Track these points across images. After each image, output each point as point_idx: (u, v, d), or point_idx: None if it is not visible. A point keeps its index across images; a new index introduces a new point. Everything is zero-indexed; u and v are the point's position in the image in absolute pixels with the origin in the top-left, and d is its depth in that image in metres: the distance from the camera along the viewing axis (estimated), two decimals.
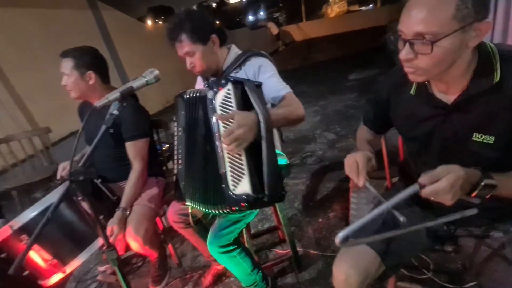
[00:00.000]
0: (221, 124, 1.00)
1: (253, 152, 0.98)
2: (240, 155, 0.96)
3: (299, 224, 1.99)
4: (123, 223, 1.42)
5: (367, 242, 0.89)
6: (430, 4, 0.66)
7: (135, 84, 0.96)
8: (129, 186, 1.49)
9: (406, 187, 1.10)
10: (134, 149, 1.51)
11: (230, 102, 0.98)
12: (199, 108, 1.12)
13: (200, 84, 1.46)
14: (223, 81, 0.99)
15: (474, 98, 0.76)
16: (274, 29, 11.50)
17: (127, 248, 1.53)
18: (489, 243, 0.88)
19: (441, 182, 0.67)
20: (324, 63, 6.76)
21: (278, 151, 1.43)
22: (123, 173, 1.55)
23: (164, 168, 1.88)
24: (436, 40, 0.67)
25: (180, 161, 1.21)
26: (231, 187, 0.99)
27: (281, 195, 1.04)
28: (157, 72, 0.99)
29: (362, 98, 4.08)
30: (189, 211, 1.33)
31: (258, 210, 1.38)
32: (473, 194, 0.71)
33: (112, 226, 1.36)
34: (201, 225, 1.49)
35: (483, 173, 0.71)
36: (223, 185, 1.01)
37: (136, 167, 1.51)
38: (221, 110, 1.00)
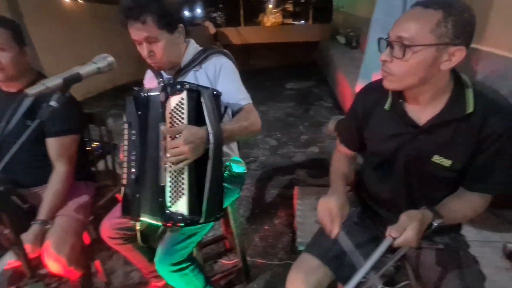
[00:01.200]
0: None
1: (198, 170, 0.92)
2: (182, 172, 0.90)
3: (245, 232, 1.94)
4: (41, 240, 1.14)
5: None
6: (416, 14, 0.72)
7: (82, 70, 0.77)
8: (50, 192, 1.21)
9: (359, 198, 1.17)
10: (59, 147, 1.23)
11: (182, 112, 0.90)
12: (152, 109, 0.99)
13: (151, 80, 1.28)
14: (178, 86, 0.90)
15: (445, 123, 0.82)
16: (211, 28, 11.30)
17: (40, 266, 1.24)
18: (431, 254, 0.96)
19: (409, 232, 0.75)
20: (263, 70, 6.91)
21: (237, 157, 1.35)
22: (41, 176, 1.26)
23: (93, 169, 1.61)
24: (411, 45, 0.72)
25: (133, 170, 1.03)
26: (168, 203, 0.92)
27: (218, 216, 1.01)
28: (111, 59, 0.82)
29: (300, 107, 4.29)
30: (138, 227, 1.14)
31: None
32: (426, 233, 0.79)
33: (26, 244, 1.08)
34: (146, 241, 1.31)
35: (434, 213, 0.80)
36: (160, 199, 0.93)
37: (61, 169, 1.24)
38: (171, 118, 0.91)
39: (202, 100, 0.91)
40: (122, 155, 1.07)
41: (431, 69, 0.75)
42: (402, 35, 0.73)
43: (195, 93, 0.91)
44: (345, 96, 3.98)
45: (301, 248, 1.70)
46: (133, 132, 1.03)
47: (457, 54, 0.73)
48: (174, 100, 0.91)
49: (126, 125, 1.05)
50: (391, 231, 0.76)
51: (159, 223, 0.99)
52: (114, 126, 1.09)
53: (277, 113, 4.06)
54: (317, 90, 5.03)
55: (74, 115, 1.29)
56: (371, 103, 0.96)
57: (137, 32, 1.02)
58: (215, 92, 0.98)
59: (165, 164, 0.91)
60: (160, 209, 0.96)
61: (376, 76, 2.70)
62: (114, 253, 1.74)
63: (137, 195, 1.02)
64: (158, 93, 0.96)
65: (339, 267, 0.97)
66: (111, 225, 1.21)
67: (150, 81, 1.29)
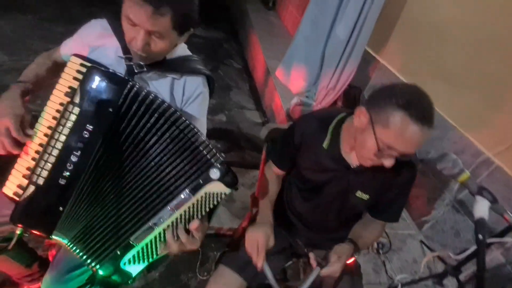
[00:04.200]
0: (188, 207, 0.78)
1: None
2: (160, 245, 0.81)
3: None
4: None
5: None
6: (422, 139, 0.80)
7: None
8: None
9: (277, 208, 1.24)
10: None
11: (211, 204, 0.78)
12: (176, 138, 0.78)
13: (97, 39, 0.94)
14: (234, 178, 0.77)
15: (370, 167, 0.94)
16: None
17: None
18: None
19: (337, 265, 0.90)
20: None
21: None
22: None
23: None
24: None
25: (66, 173, 0.77)
26: (125, 259, 0.80)
27: None
28: None
29: (209, 63, 3.98)
30: (17, 231, 0.88)
31: None
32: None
33: None
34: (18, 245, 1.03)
35: (355, 247, 0.97)
36: (118, 251, 0.80)
37: None
38: (199, 200, 0.78)
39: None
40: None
41: None
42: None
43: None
44: (256, 61, 3.93)
45: None
46: (90, 127, 0.77)
47: None
48: (217, 186, 0.77)
49: (75, 109, 0.77)
50: (320, 261, 0.92)
51: (84, 257, 0.82)
52: None
53: None
54: (227, 46, 4.76)
55: None
56: (309, 136, 1.02)
57: (145, 19, 0.77)
58: None
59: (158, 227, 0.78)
60: (111, 258, 0.81)
61: (296, 66, 2.75)
62: None
63: (60, 208, 0.79)
64: (210, 159, 0.77)
65: (253, 278, 1.06)
66: None
67: (93, 40, 0.94)
